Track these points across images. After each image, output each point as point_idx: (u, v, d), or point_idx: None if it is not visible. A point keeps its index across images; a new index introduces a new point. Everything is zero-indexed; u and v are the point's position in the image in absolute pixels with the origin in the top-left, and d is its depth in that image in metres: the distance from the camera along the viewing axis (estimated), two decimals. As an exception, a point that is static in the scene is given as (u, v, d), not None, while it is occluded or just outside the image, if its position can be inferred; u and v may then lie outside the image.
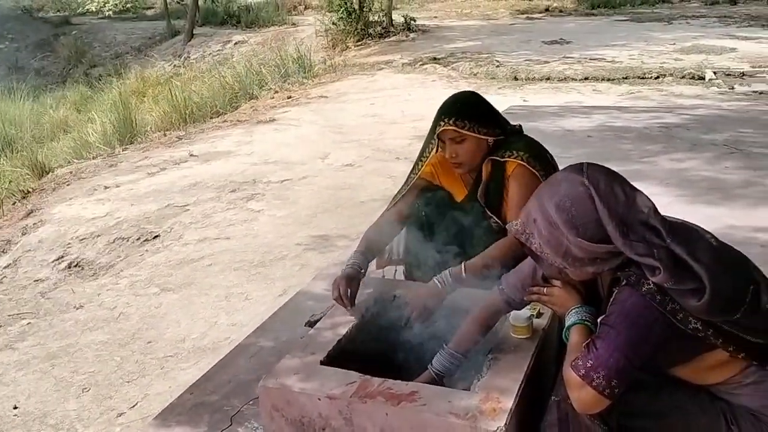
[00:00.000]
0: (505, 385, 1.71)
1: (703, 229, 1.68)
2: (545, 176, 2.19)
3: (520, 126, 2.47)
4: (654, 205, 1.59)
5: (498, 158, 2.29)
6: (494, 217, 2.35)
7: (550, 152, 2.41)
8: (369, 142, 6.23)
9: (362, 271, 2.31)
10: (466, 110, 2.28)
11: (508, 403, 1.65)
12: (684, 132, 5.76)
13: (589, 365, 1.49)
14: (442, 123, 2.26)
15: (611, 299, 1.56)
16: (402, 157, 5.49)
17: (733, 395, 1.62)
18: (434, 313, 2.09)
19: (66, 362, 3.02)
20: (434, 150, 2.39)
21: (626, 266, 1.55)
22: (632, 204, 1.56)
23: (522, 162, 2.25)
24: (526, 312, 1.96)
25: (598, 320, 1.56)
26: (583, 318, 1.69)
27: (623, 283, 1.54)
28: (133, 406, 2.65)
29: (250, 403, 2.24)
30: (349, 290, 2.20)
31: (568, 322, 1.70)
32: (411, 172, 2.54)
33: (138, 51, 15.62)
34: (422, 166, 2.46)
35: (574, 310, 1.71)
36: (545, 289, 1.79)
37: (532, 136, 2.46)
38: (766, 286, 1.61)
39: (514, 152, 2.27)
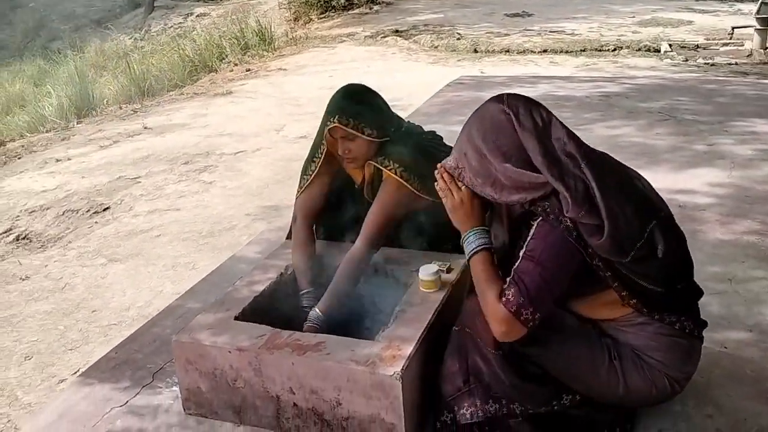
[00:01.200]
0: (407, 334, 1.78)
1: (615, 161, 1.75)
2: (420, 187, 2.19)
3: (410, 124, 2.44)
4: (569, 130, 1.66)
5: (376, 164, 2.26)
6: None
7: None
8: (324, 114, 6.22)
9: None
10: (352, 108, 2.22)
11: (408, 350, 1.72)
12: (623, 100, 5.81)
13: (520, 302, 1.59)
14: (330, 122, 2.22)
15: (531, 232, 1.62)
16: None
17: (619, 332, 1.72)
18: None
19: (9, 332, 3.04)
20: (325, 151, 2.32)
21: (546, 199, 1.62)
22: (549, 128, 1.65)
23: (394, 175, 2.21)
24: (433, 267, 2.03)
25: (520, 253, 1.63)
26: (485, 243, 1.73)
27: (541, 219, 1.61)
28: (75, 372, 2.68)
29: (172, 360, 2.25)
30: None
31: (470, 247, 1.73)
32: (304, 173, 2.44)
33: (98, 24, 15.30)
34: (315, 167, 2.37)
35: (473, 233, 1.74)
36: (455, 190, 1.76)
37: (432, 132, 2.41)
38: (665, 223, 1.68)
39: (391, 162, 2.22)
